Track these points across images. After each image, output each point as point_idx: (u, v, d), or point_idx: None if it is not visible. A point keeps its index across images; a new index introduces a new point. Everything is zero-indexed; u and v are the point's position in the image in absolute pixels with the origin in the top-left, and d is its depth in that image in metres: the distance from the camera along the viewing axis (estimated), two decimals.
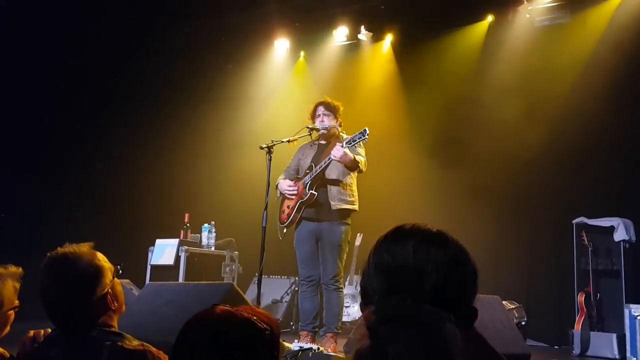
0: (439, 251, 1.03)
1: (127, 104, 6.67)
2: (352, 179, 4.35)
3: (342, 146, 4.01)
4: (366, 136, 4.00)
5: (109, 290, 1.62)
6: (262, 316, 1.21)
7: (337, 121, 4.41)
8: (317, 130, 4.37)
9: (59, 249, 1.62)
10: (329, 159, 4.14)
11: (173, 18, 6.83)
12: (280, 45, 7.65)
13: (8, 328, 1.76)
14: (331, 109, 4.42)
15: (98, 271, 1.60)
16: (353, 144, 4.05)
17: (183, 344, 1.15)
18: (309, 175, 4.31)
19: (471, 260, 1.06)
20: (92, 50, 6.32)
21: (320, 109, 4.42)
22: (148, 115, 6.79)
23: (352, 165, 4.16)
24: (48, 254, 1.60)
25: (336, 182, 4.28)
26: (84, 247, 1.63)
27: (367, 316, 0.94)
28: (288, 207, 4.38)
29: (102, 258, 1.64)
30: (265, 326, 1.17)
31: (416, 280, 1.00)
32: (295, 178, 4.44)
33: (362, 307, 1.08)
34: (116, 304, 1.63)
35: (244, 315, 1.17)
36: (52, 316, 1.58)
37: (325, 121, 4.38)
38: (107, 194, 6.43)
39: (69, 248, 1.61)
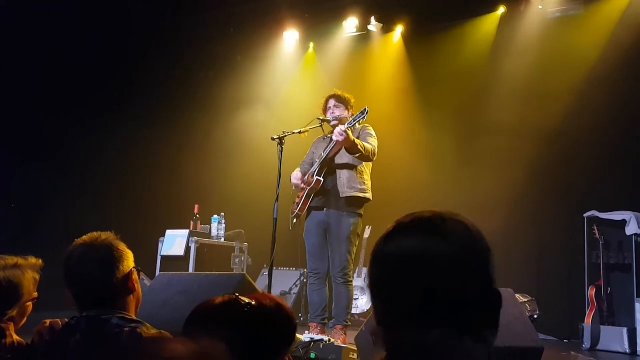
0: (437, 249, 0.90)
1: (137, 95, 6.66)
2: (364, 166, 4.27)
3: (345, 127, 3.98)
4: (365, 115, 4.00)
5: (132, 271, 1.67)
6: (272, 301, 1.24)
7: (349, 113, 4.37)
8: (328, 122, 4.34)
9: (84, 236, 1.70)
10: (333, 142, 4.11)
11: (182, 10, 6.81)
12: (290, 37, 7.61)
13: (25, 319, 1.77)
14: (342, 101, 4.39)
15: (122, 252, 1.67)
16: (354, 123, 4.04)
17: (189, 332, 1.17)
18: (317, 162, 4.29)
19: (478, 244, 0.93)
20: (102, 41, 6.32)
21: (331, 102, 4.40)
22: (157, 106, 6.78)
23: (352, 148, 4.03)
24: (76, 240, 1.67)
25: (346, 168, 4.20)
26: (109, 233, 1.69)
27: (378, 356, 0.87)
28: (298, 196, 4.36)
29: (125, 246, 1.71)
30: (272, 305, 1.20)
31: (420, 296, 0.88)
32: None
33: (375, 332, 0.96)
34: (137, 287, 1.68)
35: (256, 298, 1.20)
36: (76, 293, 1.63)
37: (336, 112, 4.35)
38: (117, 184, 6.44)
39: (96, 233, 1.68)
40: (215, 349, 0.69)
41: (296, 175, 4.36)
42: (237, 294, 1.21)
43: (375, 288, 0.95)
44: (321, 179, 4.19)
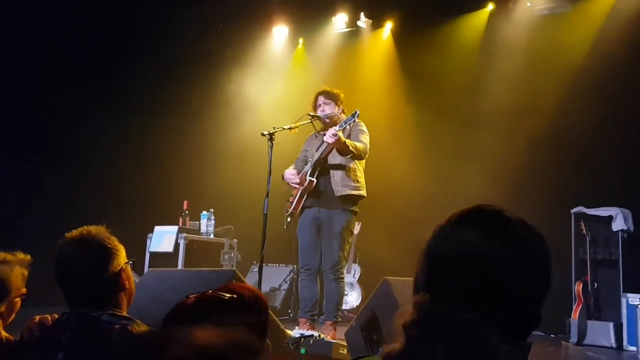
0: (504, 247, 0.90)
1: (126, 89, 6.60)
2: (356, 164, 4.28)
3: (336, 130, 3.98)
4: (356, 117, 4.00)
5: (123, 268, 1.65)
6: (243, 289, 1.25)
7: (339, 108, 4.38)
8: (318, 117, 4.34)
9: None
10: (324, 144, 4.12)
11: (171, 4, 6.76)
12: (279, 32, 7.60)
13: (13, 315, 1.75)
14: (331, 97, 4.39)
15: (114, 248, 1.65)
16: (345, 125, 4.04)
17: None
18: (309, 162, 4.29)
19: (545, 262, 0.94)
20: (91, 35, 6.27)
21: (320, 99, 4.40)
22: (147, 101, 6.73)
23: (344, 150, 4.05)
24: (66, 234, 1.64)
25: (339, 168, 4.22)
26: (100, 228, 1.67)
27: (404, 314, 0.84)
28: (292, 195, 4.37)
29: (116, 241, 1.69)
30: (231, 295, 1.21)
31: (468, 277, 0.88)
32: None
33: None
34: (128, 284, 1.66)
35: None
36: (67, 291, 1.61)
37: (326, 110, 4.35)
38: (106, 179, 6.39)
39: (86, 228, 1.66)
40: (246, 335, 0.69)
41: (290, 172, 4.35)
42: (209, 291, 1.23)
43: (429, 256, 0.93)
44: (314, 179, 4.20)
